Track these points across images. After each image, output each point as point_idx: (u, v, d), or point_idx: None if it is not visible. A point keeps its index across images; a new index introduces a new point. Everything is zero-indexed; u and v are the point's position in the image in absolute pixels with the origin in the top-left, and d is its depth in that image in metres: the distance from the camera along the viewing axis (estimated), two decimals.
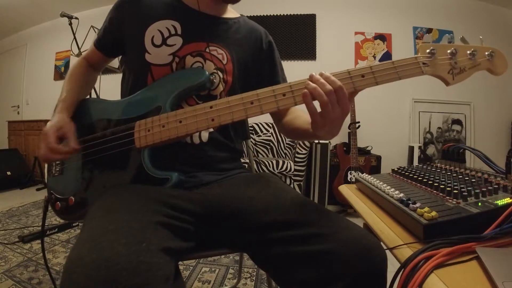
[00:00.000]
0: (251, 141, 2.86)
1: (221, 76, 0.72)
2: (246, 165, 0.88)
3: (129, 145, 0.63)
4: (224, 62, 0.73)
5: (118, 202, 0.52)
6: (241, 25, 0.80)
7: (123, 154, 0.64)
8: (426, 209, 0.44)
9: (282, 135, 2.85)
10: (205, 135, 0.70)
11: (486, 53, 0.54)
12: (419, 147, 2.96)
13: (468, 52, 0.54)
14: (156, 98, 0.65)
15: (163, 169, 0.62)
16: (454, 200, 0.48)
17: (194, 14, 0.73)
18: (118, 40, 0.75)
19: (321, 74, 0.51)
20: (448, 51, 0.54)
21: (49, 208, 0.75)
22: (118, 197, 0.55)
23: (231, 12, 0.81)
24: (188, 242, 0.55)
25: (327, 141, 2.47)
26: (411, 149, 2.88)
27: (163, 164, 0.63)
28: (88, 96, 0.81)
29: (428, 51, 0.53)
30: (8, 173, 3.28)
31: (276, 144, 2.85)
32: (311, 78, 0.51)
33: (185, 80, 0.66)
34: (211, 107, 0.58)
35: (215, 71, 0.71)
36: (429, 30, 3.12)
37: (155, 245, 0.42)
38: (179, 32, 0.70)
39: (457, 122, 3.08)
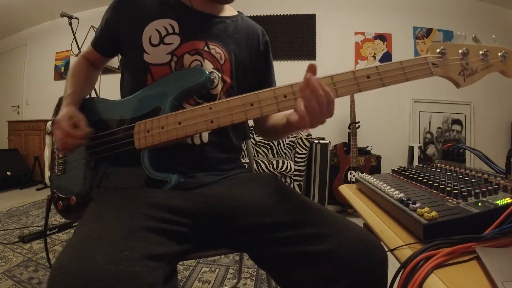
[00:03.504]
0: (251, 141, 2.85)
1: (220, 75, 0.72)
2: (246, 165, 0.88)
3: (129, 146, 0.63)
4: (222, 62, 0.72)
5: (110, 207, 0.52)
6: (239, 24, 0.79)
7: (124, 155, 0.64)
8: (426, 209, 0.44)
9: None
10: (205, 136, 0.70)
11: (499, 53, 0.51)
12: (419, 147, 2.95)
13: (480, 52, 0.51)
14: (156, 98, 0.65)
15: (163, 171, 0.62)
16: (454, 200, 0.48)
17: (191, 12, 0.72)
18: (114, 41, 0.75)
19: (322, 89, 0.48)
20: (460, 51, 0.51)
21: (52, 207, 0.75)
22: (111, 201, 0.55)
23: (229, 10, 0.80)
24: (184, 244, 0.54)
25: (327, 141, 2.47)
26: (411, 149, 2.88)
27: (163, 165, 0.63)
28: (89, 96, 0.82)
29: (438, 50, 0.50)
30: (8, 173, 3.28)
31: (276, 144, 2.85)
32: (312, 88, 0.48)
33: (186, 81, 0.65)
34: (210, 108, 0.56)
35: (213, 70, 0.71)
36: (429, 30, 3.11)
37: (138, 253, 0.42)
38: (176, 30, 0.69)
39: (457, 122, 3.08)
